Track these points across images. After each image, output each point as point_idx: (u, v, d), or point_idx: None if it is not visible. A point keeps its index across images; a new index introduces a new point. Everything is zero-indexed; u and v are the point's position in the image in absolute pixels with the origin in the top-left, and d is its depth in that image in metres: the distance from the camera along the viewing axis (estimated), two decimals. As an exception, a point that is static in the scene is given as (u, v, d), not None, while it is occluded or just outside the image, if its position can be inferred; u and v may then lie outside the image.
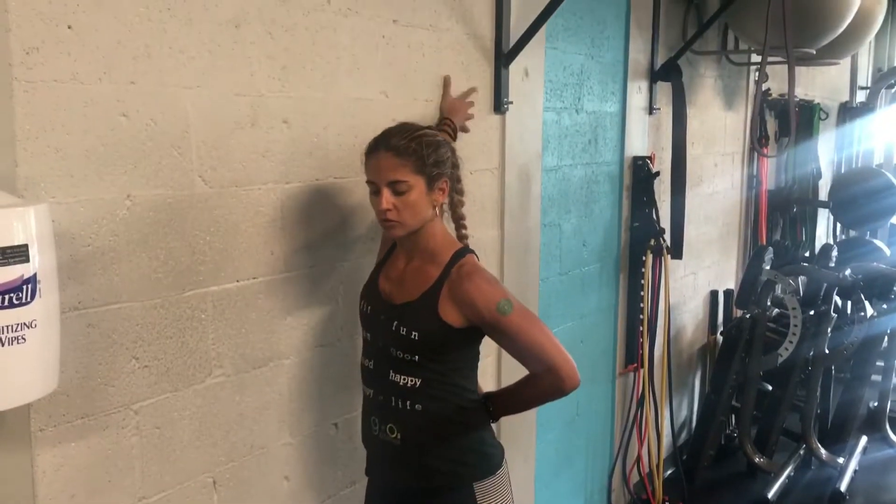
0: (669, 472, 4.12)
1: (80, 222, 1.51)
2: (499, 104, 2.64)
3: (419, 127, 1.88)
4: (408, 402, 1.85)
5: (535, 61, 2.80)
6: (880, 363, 4.78)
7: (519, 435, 2.91)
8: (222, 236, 1.78)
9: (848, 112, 6.60)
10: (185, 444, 1.75)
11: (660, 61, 3.66)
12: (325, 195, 2.04)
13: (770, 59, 3.88)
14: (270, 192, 1.89)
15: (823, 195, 5.83)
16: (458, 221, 1.99)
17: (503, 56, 2.61)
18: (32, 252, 1.22)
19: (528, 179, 2.85)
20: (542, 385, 1.86)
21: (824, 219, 6.39)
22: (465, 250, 1.90)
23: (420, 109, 2.32)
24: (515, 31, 2.62)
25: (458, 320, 1.80)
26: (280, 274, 1.93)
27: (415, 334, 1.81)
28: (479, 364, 1.97)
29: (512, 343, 1.84)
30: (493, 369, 2.75)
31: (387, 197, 1.78)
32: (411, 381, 1.84)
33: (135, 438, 1.64)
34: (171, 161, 1.66)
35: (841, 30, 3.80)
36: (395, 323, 1.83)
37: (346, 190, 2.10)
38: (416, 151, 1.80)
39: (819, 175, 5.75)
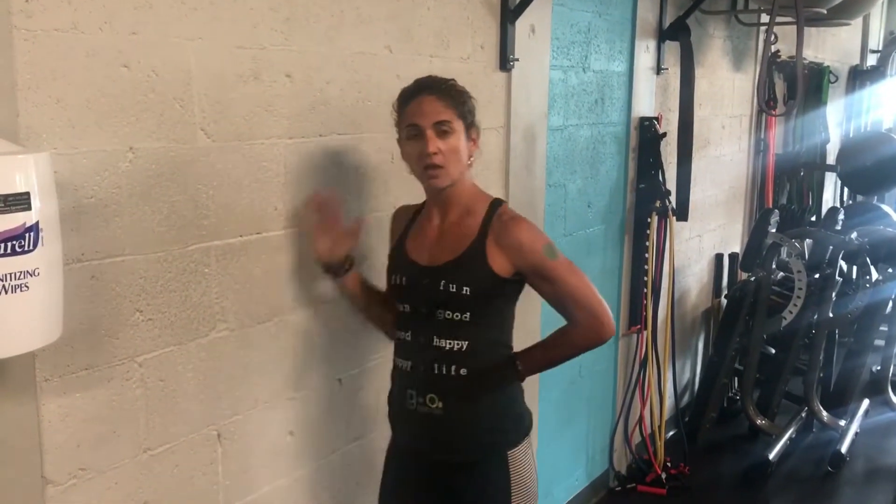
0: (671, 433, 4.15)
1: (83, 173, 1.50)
2: (504, 61, 2.61)
3: (440, 78, 1.88)
4: (452, 367, 1.82)
5: (541, 18, 2.76)
6: (884, 328, 4.78)
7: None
8: (225, 191, 1.78)
9: (858, 75, 6.53)
10: (189, 397, 1.76)
11: (668, 20, 3.61)
12: (328, 151, 2.03)
13: (779, 19, 3.83)
14: (273, 146, 1.88)
15: (831, 159, 5.79)
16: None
17: (509, 12, 2.58)
18: (34, 200, 1.22)
19: (534, 139, 2.83)
20: (580, 333, 1.86)
21: (832, 183, 6.35)
22: (500, 200, 1.92)
23: (425, 65, 2.29)
24: (523, -14, 2.58)
25: (505, 269, 1.81)
26: (283, 230, 1.93)
27: (466, 289, 1.79)
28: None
29: (555, 288, 1.84)
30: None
31: (433, 139, 1.77)
32: (458, 344, 1.82)
33: (139, 390, 1.65)
34: (173, 114, 1.65)
35: (853, -11, 3.74)
36: (444, 282, 1.81)
37: (349, 146, 2.09)
38: (457, 96, 1.82)
39: (827, 139, 5.70)
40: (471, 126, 1.85)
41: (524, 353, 1.94)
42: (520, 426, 1.92)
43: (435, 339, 1.84)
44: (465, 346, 1.82)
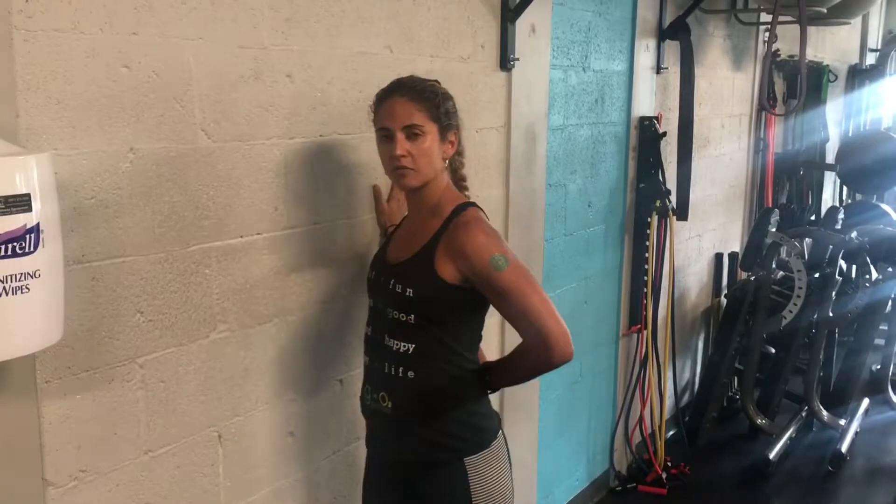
0: (671, 433, 4.15)
1: (83, 174, 1.50)
2: (505, 61, 2.60)
3: (427, 79, 1.85)
4: (400, 369, 1.80)
5: (542, 17, 2.76)
6: (884, 327, 4.78)
7: (522, 395, 2.92)
8: (226, 191, 1.77)
9: (857, 74, 6.53)
10: (190, 398, 1.75)
11: (668, 19, 3.60)
12: (328, 151, 2.02)
13: (780, 18, 3.83)
14: (274, 147, 1.88)
15: (831, 158, 5.79)
16: (460, 183, 1.94)
17: (510, 11, 2.58)
18: (35, 201, 1.21)
19: (534, 138, 2.82)
20: (531, 354, 1.79)
21: (831, 182, 6.35)
22: (469, 204, 1.85)
23: (425, 65, 2.29)
24: (523, -15, 2.58)
25: (453, 275, 1.75)
26: (284, 230, 1.92)
27: (409, 291, 1.77)
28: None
29: (504, 303, 1.75)
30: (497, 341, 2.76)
31: (401, 142, 1.75)
32: (405, 346, 1.79)
33: (140, 392, 1.64)
34: (173, 114, 1.65)
35: (853, -12, 3.74)
36: (392, 281, 1.80)
37: (349, 146, 2.08)
38: (431, 98, 1.78)
39: (826, 138, 5.70)
40: (447, 128, 1.81)
41: (493, 365, 1.92)
42: (480, 435, 1.85)
43: (386, 338, 1.83)
44: (411, 349, 1.79)
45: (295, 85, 1.91)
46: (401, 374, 1.80)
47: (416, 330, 1.79)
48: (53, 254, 1.28)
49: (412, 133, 1.75)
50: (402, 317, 1.79)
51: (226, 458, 1.85)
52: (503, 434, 1.91)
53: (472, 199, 1.91)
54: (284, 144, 1.90)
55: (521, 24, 2.63)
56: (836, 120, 6.41)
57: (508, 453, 1.93)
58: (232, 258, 1.80)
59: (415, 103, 1.76)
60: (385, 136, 1.79)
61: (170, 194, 1.66)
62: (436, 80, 1.87)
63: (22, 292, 1.20)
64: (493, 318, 1.89)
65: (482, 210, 1.87)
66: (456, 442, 1.83)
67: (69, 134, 1.47)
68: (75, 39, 1.46)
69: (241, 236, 1.82)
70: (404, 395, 1.82)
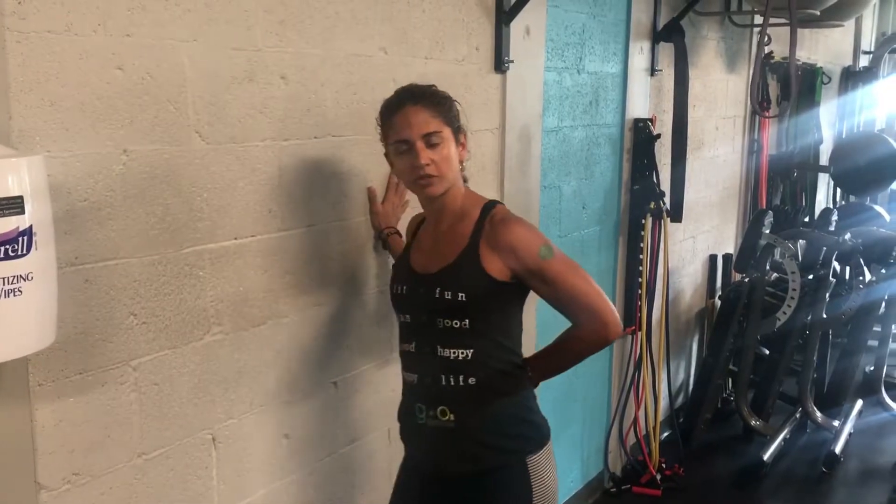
0: (666, 434, 4.15)
1: (76, 176, 1.49)
2: (499, 63, 2.61)
3: (428, 84, 1.85)
4: (460, 378, 1.77)
5: (536, 20, 2.76)
6: (877, 328, 4.79)
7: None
8: (220, 193, 1.77)
9: (851, 76, 6.54)
10: (183, 400, 1.75)
11: (662, 21, 3.61)
12: (323, 153, 2.02)
13: (772, 20, 3.84)
14: (268, 149, 1.87)
15: (824, 160, 5.80)
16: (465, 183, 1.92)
17: (504, 14, 2.58)
18: (28, 204, 1.21)
19: (529, 140, 2.83)
20: (584, 335, 1.81)
21: (825, 184, 6.37)
22: (494, 202, 1.86)
23: (420, 67, 2.29)
24: (518, -13, 2.58)
25: (501, 271, 1.75)
26: (278, 232, 1.92)
27: (461, 295, 1.74)
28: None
29: (554, 290, 1.78)
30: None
31: (423, 151, 1.73)
32: (462, 353, 1.77)
33: (133, 395, 1.64)
34: (167, 116, 1.64)
35: (846, -10, 3.75)
36: (438, 289, 1.76)
37: (344, 148, 2.08)
38: (443, 103, 1.78)
39: (820, 140, 5.72)
40: (458, 131, 1.81)
41: (533, 359, 1.90)
42: (538, 432, 1.87)
43: (439, 349, 1.79)
44: (470, 355, 1.77)
45: (289, 87, 1.91)
46: (462, 383, 1.78)
47: (471, 334, 1.77)
48: (46, 256, 1.27)
49: (431, 142, 1.74)
50: (456, 323, 1.76)
51: (220, 460, 1.85)
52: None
53: (486, 198, 1.90)
54: (278, 146, 1.90)
55: (516, 27, 2.63)
56: (829, 122, 6.43)
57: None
58: (226, 260, 1.80)
59: (429, 110, 1.75)
60: (405, 150, 1.76)
61: (163, 196, 1.65)
62: (434, 85, 1.86)
63: (14, 295, 1.20)
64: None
65: (504, 206, 1.89)
66: (518, 442, 1.83)
67: (62, 136, 1.46)
68: (68, 41, 1.46)
69: (236, 238, 1.82)
70: (468, 405, 1.79)
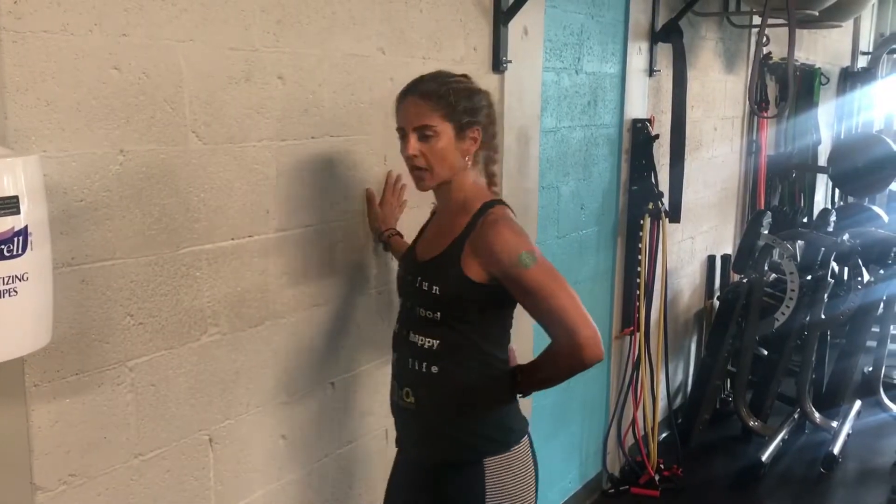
0: (664, 435, 4.15)
1: (72, 176, 1.49)
2: (497, 63, 2.60)
3: (454, 74, 1.83)
4: (424, 364, 1.80)
5: (534, 20, 2.76)
6: (876, 329, 4.79)
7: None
8: (217, 194, 1.76)
9: (849, 77, 6.55)
10: (180, 401, 1.74)
11: (661, 22, 3.61)
12: (320, 153, 2.02)
13: (771, 21, 3.84)
14: (265, 149, 1.87)
15: (823, 161, 5.80)
16: (490, 178, 1.90)
17: (502, 14, 2.57)
18: (23, 204, 1.20)
19: (527, 141, 2.82)
20: (561, 354, 1.73)
21: (823, 185, 6.37)
22: (496, 201, 1.83)
23: (418, 67, 2.28)
24: (515, -12, 2.58)
25: (480, 275, 1.73)
26: (275, 233, 1.92)
27: (436, 289, 1.76)
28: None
29: (531, 302, 1.73)
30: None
31: (413, 142, 1.75)
32: (429, 342, 1.79)
33: (130, 395, 1.63)
34: (163, 116, 1.64)
35: (845, -9, 3.75)
36: (419, 279, 1.80)
37: (342, 148, 2.08)
38: (445, 97, 1.76)
39: (819, 141, 5.72)
40: (467, 125, 1.78)
41: (525, 368, 1.88)
42: (505, 435, 1.83)
43: (411, 334, 1.83)
44: (435, 345, 1.79)
45: (286, 87, 1.90)
46: (424, 370, 1.80)
47: (441, 326, 1.79)
48: (42, 256, 1.27)
49: (424, 134, 1.75)
50: (429, 314, 1.79)
51: (217, 461, 1.84)
52: (530, 440, 1.89)
53: (499, 197, 1.89)
54: (276, 146, 1.90)
55: (514, 27, 2.63)
56: (828, 122, 6.43)
57: (535, 461, 1.89)
58: (223, 261, 1.80)
59: (428, 103, 1.75)
60: (401, 137, 1.80)
61: (160, 196, 1.65)
62: (463, 76, 1.85)
63: (10, 295, 1.19)
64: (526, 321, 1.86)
65: (509, 207, 1.85)
66: (476, 440, 1.81)
67: (58, 136, 1.46)
68: (65, 41, 1.45)
69: (233, 239, 1.81)
70: (427, 390, 1.82)
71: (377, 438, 2.32)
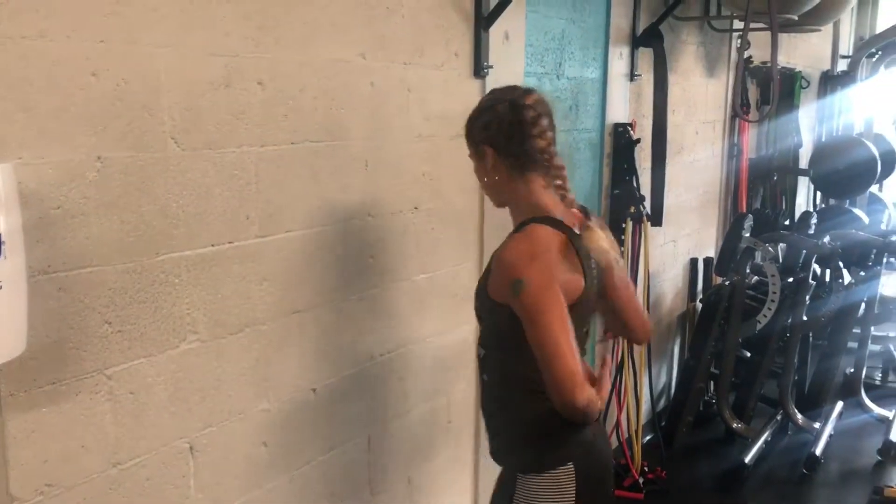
0: (648, 437, 4.16)
1: (49, 183, 1.47)
2: (479, 68, 2.60)
3: (491, 92, 1.94)
4: (482, 371, 1.89)
5: (515, 25, 2.76)
6: (857, 330, 4.83)
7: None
8: (196, 200, 1.75)
9: (829, 80, 6.60)
10: (160, 409, 1.73)
11: (642, 27, 3.63)
12: (301, 159, 2.01)
13: (752, 25, 3.86)
14: (245, 154, 1.86)
15: (804, 163, 5.85)
16: (558, 191, 1.84)
17: (483, 19, 2.58)
18: (-4, 212, 1.19)
19: (509, 145, 2.82)
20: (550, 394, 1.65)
21: (805, 187, 6.42)
22: (536, 219, 1.74)
23: (399, 73, 2.28)
24: (496, -7, 2.58)
25: (495, 292, 1.72)
26: (256, 239, 1.91)
27: (476, 303, 1.85)
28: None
29: (527, 331, 1.66)
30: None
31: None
32: (482, 350, 1.86)
33: (108, 404, 1.62)
34: (142, 122, 1.63)
35: (824, -4, 3.78)
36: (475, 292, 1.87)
37: (322, 154, 2.07)
38: (467, 125, 1.88)
39: (800, 143, 5.76)
40: (480, 144, 1.83)
41: None
42: (538, 456, 1.77)
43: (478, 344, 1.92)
44: (483, 354, 1.87)
45: (266, 92, 1.90)
46: (483, 377, 1.90)
47: (485, 338, 1.86)
48: (15, 265, 1.26)
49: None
50: (481, 325, 1.90)
51: (197, 469, 1.83)
52: (576, 472, 1.77)
53: (551, 214, 1.78)
54: (256, 152, 1.89)
55: (495, 32, 2.63)
56: (809, 125, 6.48)
57: (583, 494, 1.77)
58: (202, 267, 1.79)
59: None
60: None
61: (138, 203, 1.64)
62: (490, 93, 1.94)
63: (-17, 305, 1.18)
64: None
65: (551, 225, 1.74)
66: (513, 456, 1.86)
67: (35, 142, 1.45)
68: (43, 47, 1.44)
69: (213, 245, 1.80)
70: (483, 396, 1.93)
71: (360, 445, 2.32)
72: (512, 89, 1.87)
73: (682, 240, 4.51)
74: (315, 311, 2.11)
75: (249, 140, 1.87)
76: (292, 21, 1.94)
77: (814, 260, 4.41)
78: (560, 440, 1.78)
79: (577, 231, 1.79)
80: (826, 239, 4.36)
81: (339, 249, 2.17)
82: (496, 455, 1.92)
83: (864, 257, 4.46)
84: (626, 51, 3.58)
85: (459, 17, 2.52)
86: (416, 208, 2.43)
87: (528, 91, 1.86)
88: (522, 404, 1.80)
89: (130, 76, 1.60)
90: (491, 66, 2.63)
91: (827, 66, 6.73)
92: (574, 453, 1.78)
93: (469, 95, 2.60)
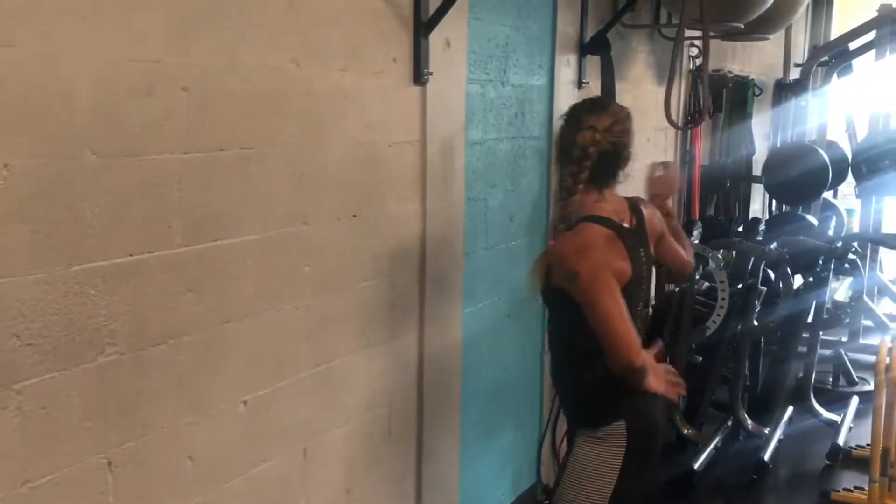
0: (600, 444, 4.14)
1: (-51, 193, 1.43)
2: (419, 75, 2.59)
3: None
4: (550, 346, 2.40)
5: (457, 32, 2.75)
6: (807, 335, 4.88)
7: (442, 409, 2.89)
8: (113, 208, 1.71)
9: (783, 89, 6.68)
10: (75, 424, 1.68)
11: (589, 34, 3.63)
12: (230, 166, 1.97)
13: (697, 33, 3.89)
14: (169, 162, 1.82)
15: (758, 171, 5.91)
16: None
17: (422, 25, 2.56)
18: None
19: (451, 153, 2.81)
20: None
21: (760, 195, 6.48)
22: (591, 218, 2.16)
23: (335, 79, 2.26)
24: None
25: (558, 282, 2.15)
26: (179, 248, 1.86)
27: (543, 291, 2.27)
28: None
29: (585, 311, 2.11)
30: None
31: None
32: (549, 326, 2.39)
33: (17, 420, 1.57)
34: (55, 129, 1.58)
35: (769, 3, 3.81)
36: None
37: (253, 161, 2.03)
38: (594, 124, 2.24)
39: (753, 151, 5.82)
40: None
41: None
42: (596, 414, 2.23)
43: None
44: (550, 332, 2.40)
45: (192, 99, 1.86)
46: (551, 351, 2.39)
47: (551, 317, 2.39)
48: None
49: None
50: (548, 308, 2.40)
51: (116, 485, 1.78)
52: (627, 429, 2.20)
53: (599, 213, 2.20)
54: (180, 160, 1.85)
55: (435, 39, 2.61)
56: (765, 133, 6.55)
57: (628, 449, 2.20)
58: (120, 278, 1.74)
59: None
60: None
61: (50, 212, 1.59)
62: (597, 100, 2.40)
63: None
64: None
65: (602, 223, 2.16)
66: (574, 414, 2.35)
67: (-66, 150, 1.40)
68: (-58, 51, 1.40)
69: (132, 255, 1.76)
70: (551, 368, 2.40)
71: (295, 457, 2.28)
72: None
73: (633, 246, 4.52)
74: (246, 321, 2.07)
75: (173, 147, 1.83)
76: (220, 25, 1.90)
77: (763, 266, 4.44)
78: (613, 401, 2.20)
79: (625, 225, 2.22)
80: (773, 246, 4.40)
81: (273, 258, 2.13)
82: (566, 415, 2.43)
83: (812, 264, 4.51)
84: (573, 58, 3.58)
85: (398, 24, 2.50)
86: (354, 216, 2.40)
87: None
88: (579, 372, 2.26)
89: (42, 81, 1.55)
90: (431, 73, 2.61)
91: (781, 74, 6.82)
92: (625, 412, 2.20)
93: (409, 102, 2.59)
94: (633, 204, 2.33)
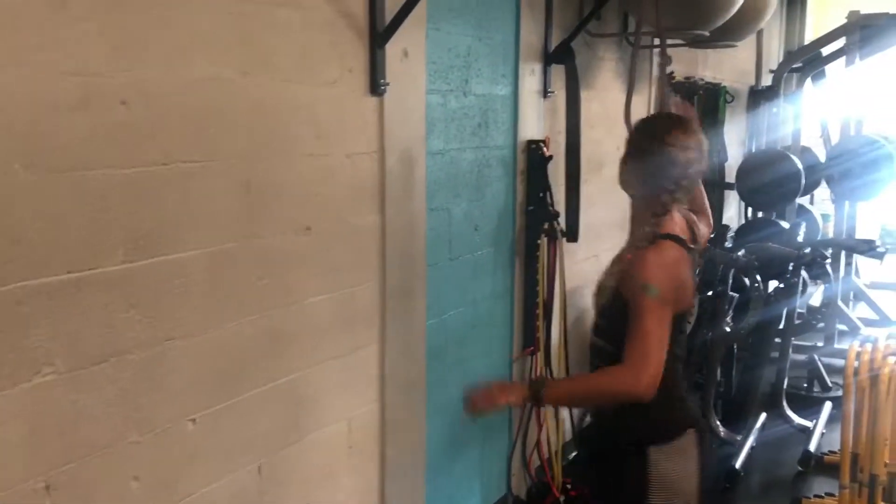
0: (574, 454, 4.13)
1: None
2: (375, 86, 2.56)
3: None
4: (596, 358, 2.28)
5: (415, 42, 2.73)
6: (778, 340, 4.88)
7: (406, 423, 2.86)
8: (49, 226, 1.67)
9: (755, 95, 6.71)
10: (11, 447, 1.64)
11: (554, 43, 3.63)
12: (172, 181, 1.94)
13: (669, 41, 3.89)
14: (109, 178, 1.79)
15: (731, 177, 5.92)
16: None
17: (378, 35, 2.53)
18: None
19: (412, 163, 2.79)
20: (617, 370, 2.06)
21: (735, 201, 6.50)
22: (670, 236, 2.13)
23: (286, 91, 2.23)
24: (391, 9, 2.54)
25: (626, 292, 2.10)
26: (121, 265, 1.83)
27: (601, 301, 2.27)
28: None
29: (630, 322, 2.05)
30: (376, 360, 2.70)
31: None
32: (599, 341, 2.26)
33: (-54, 444, 1.53)
34: (-16, 145, 1.55)
35: (733, 11, 3.82)
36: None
37: (197, 175, 2.00)
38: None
39: (725, 158, 5.84)
40: None
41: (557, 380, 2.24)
42: (666, 427, 2.16)
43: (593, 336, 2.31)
44: (600, 344, 2.25)
45: (132, 112, 1.83)
46: (597, 365, 2.25)
47: (605, 328, 2.23)
48: None
49: None
50: (601, 319, 2.27)
51: (55, 508, 1.74)
52: (699, 436, 2.21)
53: (674, 231, 2.16)
54: (120, 175, 1.81)
55: (392, 49, 2.59)
56: (738, 140, 6.57)
57: (703, 456, 2.22)
58: (58, 296, 1.70)
59: None
60: None
61: (-21, 230, 1.55)
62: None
63: None
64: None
65: (679, 243, 2.14)
66: (632, 432, 2.16)
67: None
68: None
69: (69, 272, 1.72)
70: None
71: (249, 475, 2.24)
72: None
73: (603, 254, 4.49)
74: (193, 338, 2.03)
75: (112, 162, 1.79)
76: (161, 36, 1.87)
77: (732, 273, 4.44)
78: (680, 411, 2.22)
79: (691, 246, 2.21)
80: (741, 253, 4.41)
81: (222, 272, 2.10)
82: (601, 438, 2.34)
83: (782, 270, 4.51)
84: (538, 67, 3.57)
85: (352, 34, 2.47)
86: (308, 229, 2.37)
87: None
88: None
89: (-30, 97, 1.52)
90: (388, 84, 2.59)
91: (753, 80, 6.85)
92: (692, 420, 2.25)
93: (366, 113, 2.56)
94: (690, 218, 2.32)
